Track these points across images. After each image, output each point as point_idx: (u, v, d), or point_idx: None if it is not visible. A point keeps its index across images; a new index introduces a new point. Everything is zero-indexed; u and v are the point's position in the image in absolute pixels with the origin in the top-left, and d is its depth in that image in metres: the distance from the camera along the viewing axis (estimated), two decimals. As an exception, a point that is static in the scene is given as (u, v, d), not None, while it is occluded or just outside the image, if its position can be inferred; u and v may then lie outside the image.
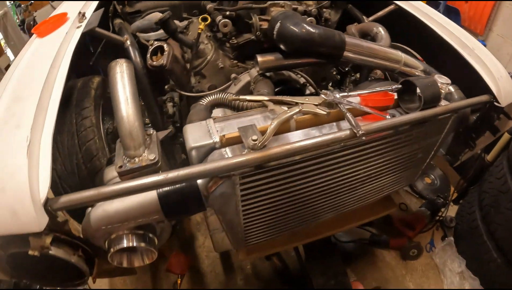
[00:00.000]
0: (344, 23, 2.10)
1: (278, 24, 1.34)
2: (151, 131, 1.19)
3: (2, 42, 3.25)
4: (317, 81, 1.74)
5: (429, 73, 1.56)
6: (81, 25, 1.53)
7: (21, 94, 1.14)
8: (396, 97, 1.28)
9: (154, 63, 1.46)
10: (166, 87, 1.71)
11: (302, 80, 1.58)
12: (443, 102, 1.31)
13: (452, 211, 2.50)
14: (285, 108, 1.09)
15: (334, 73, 1.87)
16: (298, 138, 1.04)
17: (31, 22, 3.27)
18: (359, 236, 2.31)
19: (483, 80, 1.48)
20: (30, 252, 0.97)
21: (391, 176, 1.42)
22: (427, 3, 3.47)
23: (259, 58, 1.36)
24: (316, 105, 1.10)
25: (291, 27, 1.31)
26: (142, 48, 1.70)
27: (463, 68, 1.57)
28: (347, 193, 1.31)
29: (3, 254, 1.02)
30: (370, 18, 1.97)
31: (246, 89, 1.51)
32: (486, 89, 1.46)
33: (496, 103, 1.44)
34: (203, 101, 1.24)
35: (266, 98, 1.10)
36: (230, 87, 1.56)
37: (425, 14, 1.82)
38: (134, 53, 1.54)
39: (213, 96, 1.24)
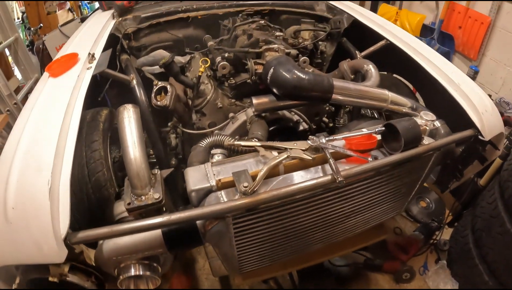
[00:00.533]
0: (339, 55, 2.26)
1: (272, 70, 1.50)
2: (156, 171, 1.36)
3: (12, 64, 3.47)
4: (310, 116, 1.90)
5: (416, 109, 1.67)
6: (91, 66, 1.68)
7: (39, 137, 1.29)
8: (380, 138, 1.42)
9: (158, 103, 1.63)
10: (169, 124, 1.88)
11: (295, 118, 1.74)
12: (426, 140, 1.43)
13: (447, 233, 2.61)
14: (275, 153, 1.25)
15: (327, 109, 2.02)
16: (286, 182, 1.20)
17: (40, 46, 3.47)
18: (354, 260, 2.45)
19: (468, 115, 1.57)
20: (50, 279, 1.15)
21: (376, 210, 1.57)
22: (421, 31, 3.65)
23: (254, 101, 1.53)
24: (303, 150, 1.25)
25: (283, 73, 1.47)
26: (147, 80, 1.86)
27: (450, 101, 1.67)
28: (333, 227, 1.47)
29: (23, 279, 1.20)
30: (363, 54, 2.09)
31: (243, 128, 1.68)
32: (470, 123, 1.56)
33: (480, 137, 1.54)
34: (202, 143, 1.41)
35: (258, 144, 1.26)
36: (228, 126, 1.73)
37: (414, 50, 1.92)
38: (139, 92, 1.70)
39: (211, 139, 1.41)
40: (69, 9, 4.32)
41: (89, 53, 1.74)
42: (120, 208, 1.37)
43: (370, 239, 1.96)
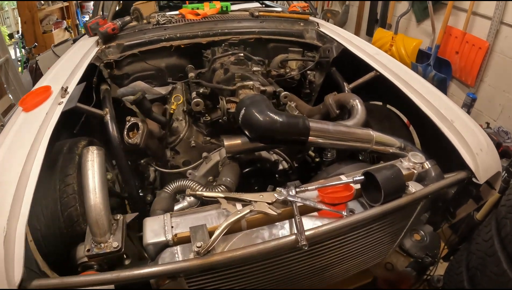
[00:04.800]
0: (329, 84, 2.18)
1: (243, 110, 1.43)
2: (118, 216, 1.31)
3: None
4: (292, 154, 1.81)
5: (404, 149, 1.57)
6: (62, 101, 1.61)
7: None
8: (358, 187, 1.29)
9: (130, 141, 1.58)
10: (142, 161, 1.81)
11: (274, 158, 1.66)
12: (412, 186, 1.32)
13: (442, 268, 2.50)
14: (239, 206, 1.18)
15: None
16: (246, 239, 1.14)
17: (34, 65, 3.48)
18: (343, 297, 2.36)
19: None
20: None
21: (354, 261, 1.46)
22: (417, 56, 3.56)
23: (226, 142, 1.46)
24: (269, 203, 1.18)
25: (255, 114, 1.39)
26: (128, 110, 1.84)
27: (442, 139, 1.55)
28: (303, 281, 1.37)
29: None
30: (351, 85, 2.02)
31: (216, 168, 1.61)
32: (464, 164, 1.43)
33: (474, 180, 1.41)
34: (167, 189, 1.36)
35: (221, 195, 1.20)
36: (202, 165, 1.67)
37: (405, 82, 1.80)
38: (112, 127, 1.66)
39: (176, 184, 1.35)
40: (66, 28, 4.32)
41: (62, 87, 1.67)
42: (81, 252, 1.32)
43: (355, 282, 1.87)
